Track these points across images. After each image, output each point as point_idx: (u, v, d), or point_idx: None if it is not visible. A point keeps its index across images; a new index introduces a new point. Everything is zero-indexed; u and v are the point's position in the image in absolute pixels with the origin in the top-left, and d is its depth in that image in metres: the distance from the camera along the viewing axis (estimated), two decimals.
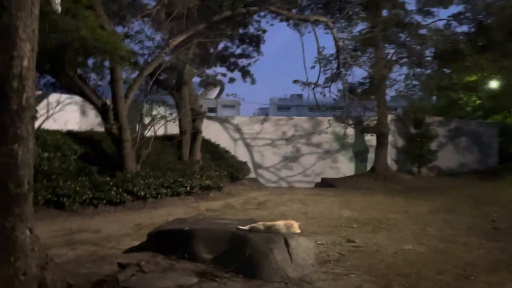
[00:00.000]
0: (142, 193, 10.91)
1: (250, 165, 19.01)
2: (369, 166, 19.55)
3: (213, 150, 17.00)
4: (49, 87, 15.25)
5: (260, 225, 5.73)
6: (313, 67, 15.61)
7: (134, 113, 13.89)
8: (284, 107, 76.27)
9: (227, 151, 17.84)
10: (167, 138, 15.93)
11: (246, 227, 5.74)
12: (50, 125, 13.94)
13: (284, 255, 5.22)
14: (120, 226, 8.43)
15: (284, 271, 5.01)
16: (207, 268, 5.08)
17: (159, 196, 11.35)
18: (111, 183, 10.48)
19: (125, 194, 10.64)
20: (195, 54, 15.03)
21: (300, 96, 70.36)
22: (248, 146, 20.16)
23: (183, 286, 4.40)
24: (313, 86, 14.33)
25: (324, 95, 16.35)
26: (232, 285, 4.64)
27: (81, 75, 11.53)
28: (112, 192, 10.41)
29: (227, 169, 15.04)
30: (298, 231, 5.94)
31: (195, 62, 15.55)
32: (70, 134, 12.11)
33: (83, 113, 16.04)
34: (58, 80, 13.29)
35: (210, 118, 17.79)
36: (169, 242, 5.81)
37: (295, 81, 17.17)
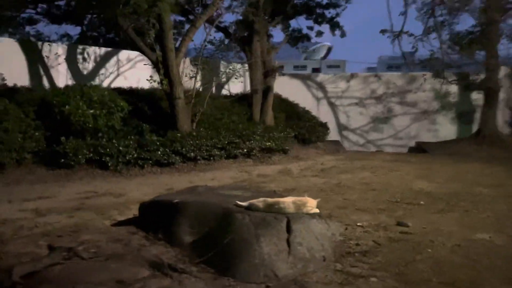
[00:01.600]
0: (192, 155, 10.09)
1: (334, 126, 17.40)
2: (475, 129, 16.72)
3: (290, 110, 15.65)
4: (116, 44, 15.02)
5: (260, 201, 4.43)
6: (402, 14, 13.24)
7: (208, 71, 13.04)
8: (394, 65, 71.05)
9: (307, 111, 16.33)
10: (235, 96, 14.96)
11: (244, 204, 4.49)
12: (121, 83, 13.73)
13: (278, 244, 3.89)
14: (151, 190, 7.64)
15: (271, 268, 3.69)
16: (176, 256, 3.97)
17: (212, 158, 10.46)
18: (158, 143, 9.78)
19: (173, 155, 9.90)
20: (266, 2, 13.58)
21: (412, 53, 64.70)
22: (332, 105, 18.42)
23: (124, 282, 3.34)
24: (397, 34, 12.11)
25: (417, 50, 13.97)
26: (190, 284, 3.47)
27: (140, 27, 10.83)
28: (159, 153, 9.72)
29: (299, 131, 13.68)
30: (315, 210, 4.53)
31: (267, 12, 14.10)
32: (129, 91, 11.63)
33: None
34: (116, 34, 12.87)
35: (283, 74, 16.27)
36: (156, 217, 4.79)
37: (383, 31, 14.98)
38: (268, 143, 11.32)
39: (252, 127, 11.72)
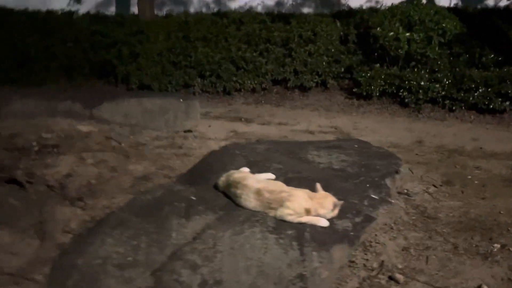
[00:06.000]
0: None
1: None
2: None
3: None
4: None
5: (226, 176, 2.56)
6: None
7: None
8: None
9: None
10: None
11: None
12: None
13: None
14: (392, 139, 5.75)
15: None
16: None
17: None
18: (478, 80, 6.97)
19: (498, 99, 6.83)
20: None
21: None
22: None
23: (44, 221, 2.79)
24: None
25: None
26: None
27: None
28: (476, 94, 6.95)
29: None
30: (310, 220, 2.19)
31: None
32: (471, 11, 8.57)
33: None
34: None
35: None
36: None
37: None
38: None
39: None
